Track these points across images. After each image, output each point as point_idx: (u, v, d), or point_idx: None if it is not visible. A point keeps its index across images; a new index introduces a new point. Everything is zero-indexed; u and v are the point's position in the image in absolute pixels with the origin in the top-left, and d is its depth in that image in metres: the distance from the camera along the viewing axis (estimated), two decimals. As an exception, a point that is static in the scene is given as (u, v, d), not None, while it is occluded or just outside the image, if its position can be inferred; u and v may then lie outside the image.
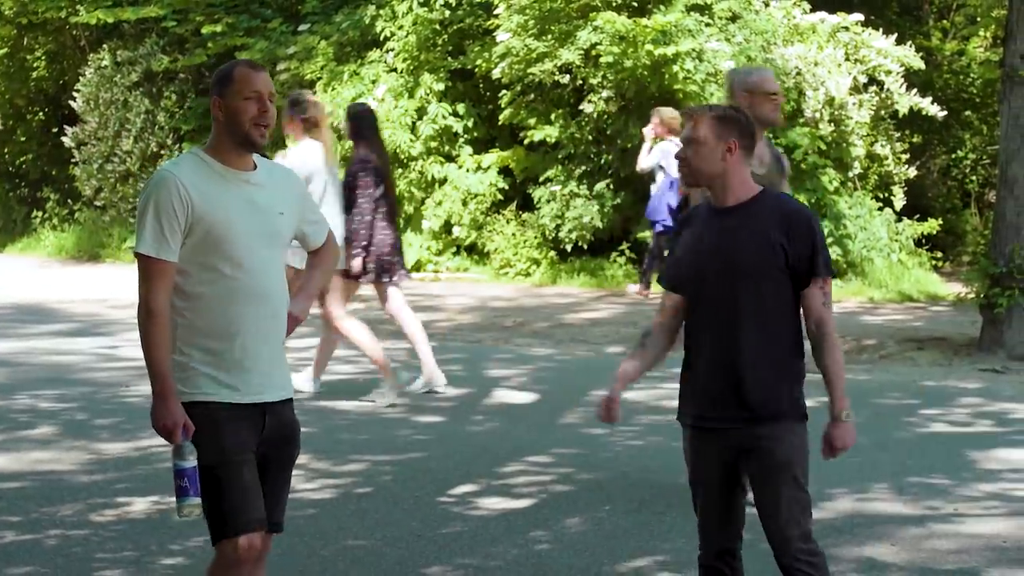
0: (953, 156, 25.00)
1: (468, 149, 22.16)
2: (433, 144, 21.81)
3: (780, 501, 5.22)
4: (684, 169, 5.32)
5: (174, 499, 4.97)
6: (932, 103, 20.51)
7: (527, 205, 21.84)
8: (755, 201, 5.29)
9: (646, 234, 20.00)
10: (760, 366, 5.19)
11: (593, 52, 19.88)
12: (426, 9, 21.97)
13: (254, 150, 5.12)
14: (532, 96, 21.41)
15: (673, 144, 16.35)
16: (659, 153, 17.02)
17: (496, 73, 20.86)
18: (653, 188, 17.37)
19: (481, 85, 22.51)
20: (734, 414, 5.22)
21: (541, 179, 21.22)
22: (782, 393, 5.22)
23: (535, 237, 21.24)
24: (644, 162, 17.30)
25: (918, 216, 21.31)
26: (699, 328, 5.32)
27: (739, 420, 5.22)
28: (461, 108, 22.10)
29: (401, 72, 22.12)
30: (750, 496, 5.38)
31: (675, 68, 19.16)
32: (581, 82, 20.69)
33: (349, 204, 11.37)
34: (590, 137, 20.85)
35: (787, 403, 5.22)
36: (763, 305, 5.20)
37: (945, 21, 26.59)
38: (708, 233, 5.32)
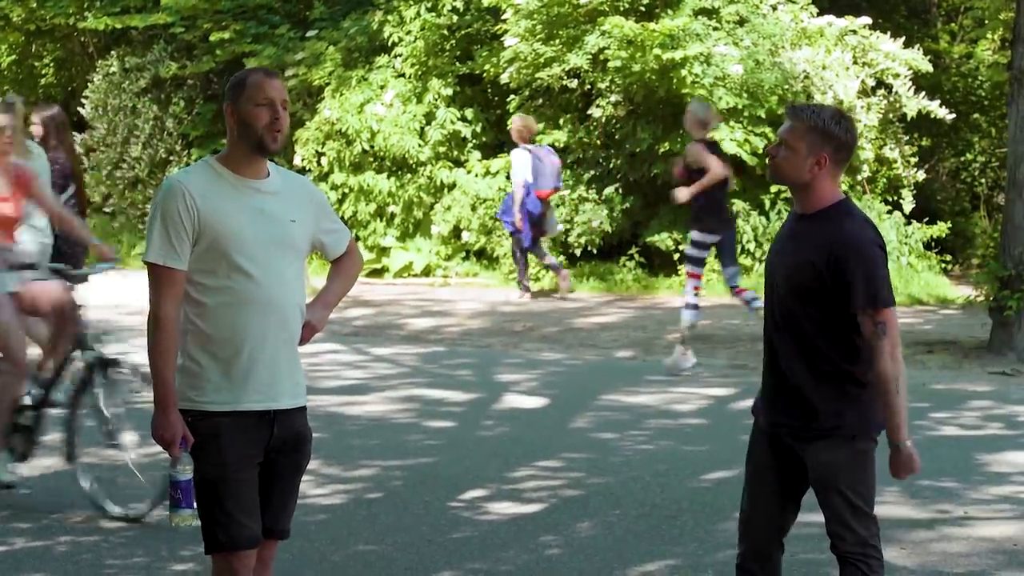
0: (962, 159, 24.96)
1: (477, 154, 22.15)
2: (442, 149, 21.80)
3: (828, 511, 5.30)
4: (772, 166, 5.31)
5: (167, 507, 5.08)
6: (940, 106, 20.46)
7: (536, 210, 21.79)
8: (824, 213, 5.23)
9: (655, 238, 20.08)
10: (808, 383, 5.23)
11: (601, 56, 19.88)
12: (434, 14, 21.98)
13: (267, 155, 5.13)
14: (540, 101, 21.45)
15: (526, 151, 17.87)
16: (514, 160, 18.07)
17: (504, 78, 20.87)
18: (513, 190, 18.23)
19: (489, 90, 22.50)
20: (783, 422, 5.31)
21: None
22: (826, 411, 5.22)
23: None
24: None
25: (927, 219, 21.28)
26: (766, 328, 5.41)
27: (786, 428, 5.31)
28: (469, 113, 22.09)
29: (409, 77, 22.11)
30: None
31: (683, 72, 19.16)
32: (589, 87, 20.72)
33: None
34: (599, 141, 20.86)
35: (830, 421, 5.22)
36: (811, 320, 5.21)
37: (953, 24, 26.55)
38: (783, 239, 5.40)
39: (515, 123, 18.68)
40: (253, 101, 5.07)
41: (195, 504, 5.05)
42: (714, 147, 14.14)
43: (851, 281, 5.10)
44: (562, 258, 20.52)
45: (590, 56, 19.95)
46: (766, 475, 5.40)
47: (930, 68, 20.93)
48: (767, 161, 5.40)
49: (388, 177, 21.70)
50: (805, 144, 5.17)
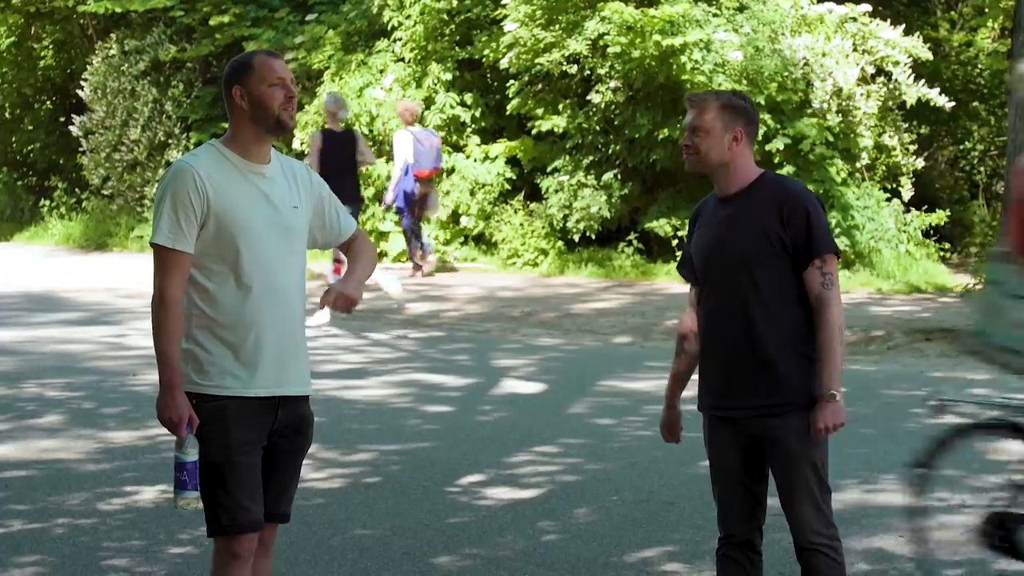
0: (961, 147, 25.06)
1: (476, 139, 22.23)
2: (441, 134, 21.76)
3: (797, 488, 5.24)
4: (692, 156, 5.30)
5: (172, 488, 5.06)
6: (940, 94, 20.45)
7: (535, 195, 21.89)
8: (754, 187, 5.30)
9: (653, 224, 20.12)
10: (766, 356, 5.20)
11: (601, 42, 19.90)
12: (433, -1, 22.04)
13: (285, 132, 5.17)
14: (540, 86, 21.47)
15: (408, 133, 18.58)
16: (399, 141, 18.95)
17: (504, 63, 20.90)
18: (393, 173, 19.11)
19: (489, 75, 22.55)
20: (745, 404, 5.25)
21: (549, 169, 21.28)
22: (791, 383, 5.21)
23: (543, 227, 21.29)
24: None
25: (926, 207, 21.29)
26: (707, 319, 5.35)
27: (750, 410, 5.25)
28: (469, 98, 22.15)
29: (409, 62, 22.18)
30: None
31: (683, 58, 19.21)
32: (589, 72, 20.73)
33: None
34: (598, 127, 20.87)
35: (797, 392, 5.20)
36: (765, 293, 5.21)
37: (953, 12, 26.57)
38: (712, 225, 5.35)
39: (399, 107, 19.44)
40: (266, 81, 5.09)
41: (199, 486, 5.04)
42: (329, 135, 16.72)
43: (809, 230, 5.16)
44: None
45: (590, 42, 19.98)
46: (731, 464, 5.37)
47: (930, 56, 20.92)
48: (684, 156, 5.37)
49: (387, 161, 21.60)
50: (720, 123, 5.23)
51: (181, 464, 4.97)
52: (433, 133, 19.78)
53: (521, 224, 21.61)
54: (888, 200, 20.81)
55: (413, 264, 19.87)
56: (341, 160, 16.42)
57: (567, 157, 21.04)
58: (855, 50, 20.50)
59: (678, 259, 5.63)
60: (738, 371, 5.26)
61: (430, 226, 20.88)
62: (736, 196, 5.30)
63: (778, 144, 19.54)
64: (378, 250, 21.70)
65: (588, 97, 20.77)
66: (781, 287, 5.22)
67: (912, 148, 21.60)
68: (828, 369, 5.15)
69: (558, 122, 20.89)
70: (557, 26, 20.39)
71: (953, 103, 21.07)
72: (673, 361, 5.66)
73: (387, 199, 19.23)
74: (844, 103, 20.36)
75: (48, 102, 30.11)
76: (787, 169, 19.48)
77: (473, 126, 22.27)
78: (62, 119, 27.82)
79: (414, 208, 19.01)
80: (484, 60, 21.85)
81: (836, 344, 5.18)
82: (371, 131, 21.71)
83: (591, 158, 20.92)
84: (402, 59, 22.27)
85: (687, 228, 5.65)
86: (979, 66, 24.57)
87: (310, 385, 5.29)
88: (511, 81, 21.39)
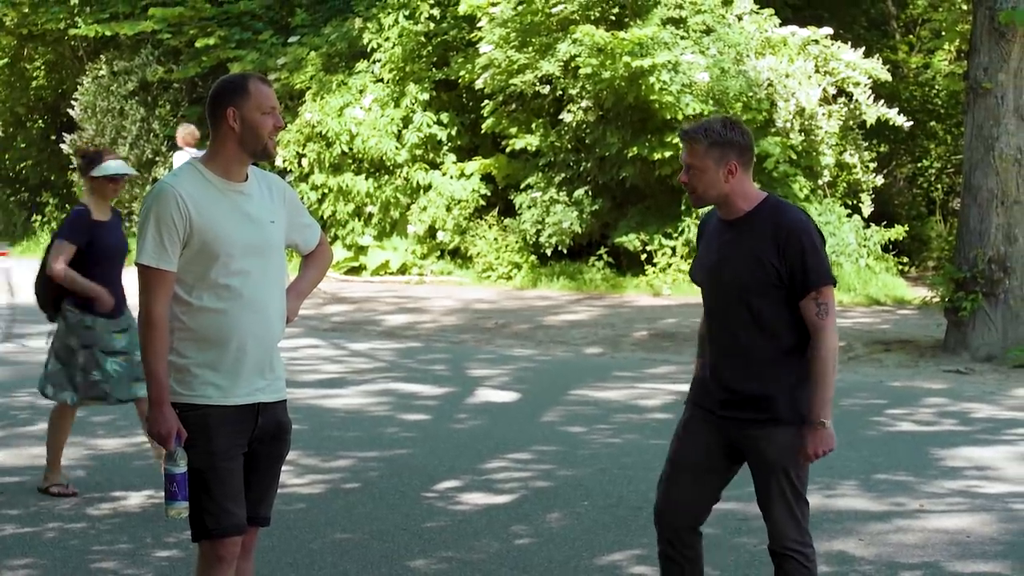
0: (919, 165, 25.20)
1: (452, 156, 22.37)
2: (418, 152, 22.08)
3: (772, 497, 5.25)
4: (692, 195, 5.29)
5: (163, 499, 5.07)
6: (899, 114, 20.74)
7: (509, 211, 22.10)
8: (754, 214, 5.24)
9: (623, 239, 20.34)
10: (760, 374, 5.21)
11: (572, 64, 20.15)
12: (411, 22, 22.26)
13: (268, 159, 5.21)
14: (513, 106, 21.67)
15: (189, 153, 19.28)
16: (178, 161, 19.67)
17: (479, 84, 21.15)
18: None
19: (464, 95, 22.76)
20: (733, 414, 5.27)
21: (522, 186, 21.50)
22: (778, 401, 5.20)
23: (516, 242, 21.47)
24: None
25: (885, 223, 21.48)
26: (708, 331, 5.37)
27: (736, 420, 5.26)
28: (445, 117, 22.33)
29: (387, 82, 22.35)
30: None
31: (651, 79, 19.38)
32: (561, 92, 20.93)
33: None
34: (569, 145, 21.08)
35: (783, 409, 5.20)
36: (760, 317, 5.20)
37: (911, 35, 26.84)
38: (714, 244, 5.32)
39: (180, 131, 20.32)
40: (260, 109, 5.05)
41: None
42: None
43: (804, 263, 5.14)
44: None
45: (562, 63, 20.24)
46: (696, 456, 5.36)
47: (889, 77, 21.28)
48: (687, 193, 5.31)
49: (366, 178, 22.03)
50: (711, 161, 5.17)
51: (171, 476, 4.97)
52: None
53: (495, 239, 21.78)
54: (849, 216, 21.02)
55: None
56: None
57: (540, 174, 21.23)
58: (817, 71, 20.80)
59: (690, 266, 5.61)
60: (725, 384, 5.26)
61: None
62: (737, 222, 5.25)
63: (742, 162, 19.77)
64: (356, 264, 22.09)
65: (560, 116, 20.98)
66: (774, 314, 5.19)
67: (872, 166, 21.84)
68: (821, 397, 5.16)
69: (531, 140, 21.07)
70: (530, 48, 20.64)
71: (911, 123, 21.44)
72: (695, 362, 5.57)
73: None
74: (807, 122, 20.63)
75: (40, 121, 30.17)
76: (752, 186, 19.85)
77: (449, 144, 22.41)
78: (53, 137, 27.87)
79: None
80: (460, 81, 22.03)
81: (829, 373, 5.17)
82: (351, 149, 21.89)
83: (563, 175, 21.13)
84: (381, 80, 22.44)
85: (696, 235, 5.58)
86: (936, 87, 24.79)
87: (285, 391, 5.28)
88: (486, 101, 21.57)
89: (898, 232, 21.35)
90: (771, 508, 5.28)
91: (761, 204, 5.23)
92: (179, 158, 19.98)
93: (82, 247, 8.50)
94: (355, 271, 21.90)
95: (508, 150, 21.72)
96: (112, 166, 8.76)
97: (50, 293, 8.58)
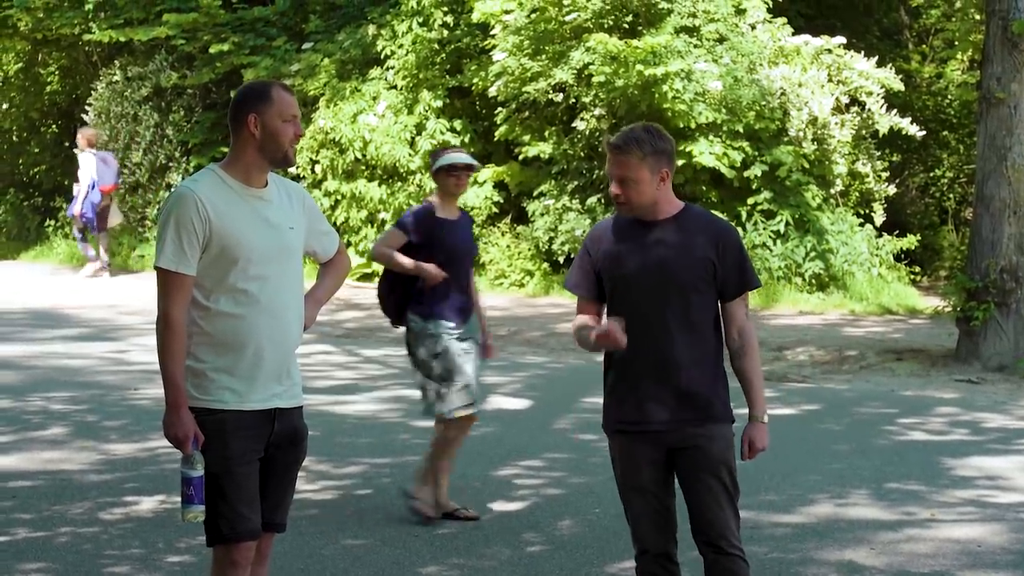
0: (931, 175, 25.14)
1: (465, 164, 22.39)
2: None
3: (714, 496, 5.33)
4: (624, 206, 5.33)
5: (180, 501, 5.13)
6: (911, 123, 20.74)
7: (521, 218, 22.10)
8: (682, 215, 5.37)
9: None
10: (694, 372, 5.31)
11: (585, 72, 20.13)
12: (425, 29, 22.30)
13: (288, 166, 5.29)
14: (527, 113, 21.66)
15: (91, 155, 21.79)
16: (82, 162, 22.09)
17: (492, 91, 21.15)
18: (75, 189, 22.37)
19: (478, 102, 22.76)
20: (670, 417, 5.32)
21: (535, 193, 21.46)
22: (715, 397, 5.35)
23: (529, 249, 21.46)
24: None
25: (897, 232, 21.47)
26: (630, 337, 5.25)
27: (675, 422, 5.32)
28: (458, 124, 22.34)
29: (401, 89, 22.37)
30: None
31: (664, 88, 19.36)
32: (574, 100, 20.93)
33: None
34: (582, 153, 21.08)
35: (719, 406, 5.36)
36: (692, 315, 5.29)
37: (924, 45, 26.80)
38: (633, 246, 5.36)
39: (83, 133, 22.52)
40: (282, 117, 5.11)
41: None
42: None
43: (742, 266, 5.34)
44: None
45: (575, 71, 20.22)
46: (643, 481, 5.42)
47: (902, 87, 21.31)
48: (615, 204, 5.33)
49: (379, 185, 22.03)
50: (647, 171, 5.25)
51: (188, 479, 5.03)
52: (112, 155, 23.07)
53: (508, 246, 21.79)
54: (861, 225, 21.02)
55: (91, 259, 22.77)
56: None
57: (552, 182, 21.22)
58: (830, 81, 20.79)
59: (567, 277, 5.64)
60: (657, 387, 5.31)
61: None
62: (664, 223, 5.34)
63: (756, 171, 19.84)
64: (369, 271, 22.08)
65: (573, 124, 20.99)
66: (703, 311, 5.32)
67: (884, 175, 21.81)
68: (758, 395, 5.36)
69: (544, 148, 21.08)
70: (544, 56, 20.63)
71: (924, 132, 21.41)
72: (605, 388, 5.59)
73: (74, 210, 22.13)
74: (819, 131, 20.61)
75: (54, 126, 30.19)
76: (765, 195, 19.88)
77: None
78: (67, 142, 27.69)
79: (99, 218, 22.07)
80: (473, 88, 22.04)
81: (760, 372, 5.41)
82: (364, 155, 21.92)
83: (576, 183, 21.10)
84: (394, 87, 22.45)
85: (580, 249, 5.58)
86: (949, 97, 24.74)
87: (302, 397, 5.36)
88: (499, 108, 21.58)
89: (910, 241, 21.38)
90: (714, 506, 5.32)
91: (688, 208, 5.40)
92: (84, 159, 22.02)
93: (419, 243, 8.16)
94: (368, 277, 21.84)
95: (521, 158, 21.73)
96: (450, 157, 8.34)
97: (394, 299, 8.33)
